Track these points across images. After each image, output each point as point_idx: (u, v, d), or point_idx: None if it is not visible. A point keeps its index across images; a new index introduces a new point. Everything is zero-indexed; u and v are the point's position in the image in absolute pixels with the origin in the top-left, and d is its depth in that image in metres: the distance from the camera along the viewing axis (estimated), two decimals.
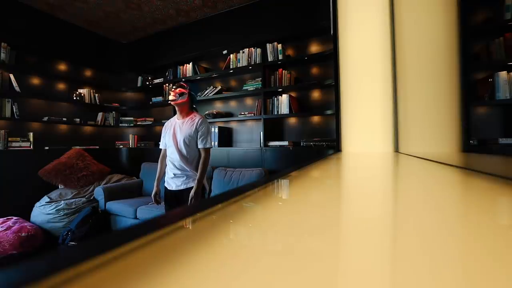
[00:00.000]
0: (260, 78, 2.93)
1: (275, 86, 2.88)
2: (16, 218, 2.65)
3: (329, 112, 2.57)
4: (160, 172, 1.98)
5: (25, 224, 2.57)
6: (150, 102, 3.87)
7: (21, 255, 2.38)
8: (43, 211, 2.83)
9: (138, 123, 4.06)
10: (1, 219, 2.59)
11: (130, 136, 4.07)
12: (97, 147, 3.80)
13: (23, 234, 2.44)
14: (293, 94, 2.90)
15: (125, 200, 3.08)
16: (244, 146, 3.17)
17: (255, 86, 2.99)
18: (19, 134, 3.04)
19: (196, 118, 1.85)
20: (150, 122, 3.97)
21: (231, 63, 3.18)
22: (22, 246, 2.40)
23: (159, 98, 3.78)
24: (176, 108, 1.88)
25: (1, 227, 2.45)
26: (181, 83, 1.90)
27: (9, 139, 2.92)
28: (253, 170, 2.74)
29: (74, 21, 3.55)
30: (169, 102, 1.85)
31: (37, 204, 2.93)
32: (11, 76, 2.96)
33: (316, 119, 2.82)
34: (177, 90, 1.82)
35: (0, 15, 2.94)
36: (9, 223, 2.53)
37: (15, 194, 2.94)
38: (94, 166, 3.40)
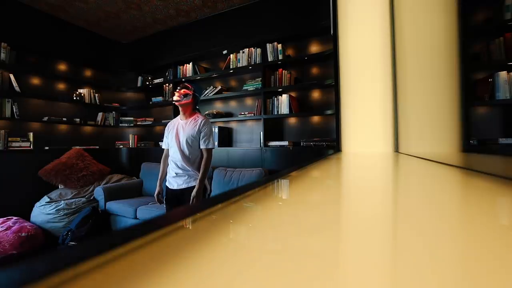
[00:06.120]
0: (260, 78, 2.93)
1: (275, 86, 2.88)
2: (16, 218, 2.65)
3: (329, 112, 2.57)
4: (163, 172, 1.98)
5: (25, 224, 2.57)
6: (150, 102, 3.87)
7: (21, 255, 2.37)
8: (43, 211, 2.83)
9: (138, 123, 4.06)
10: (1, 219, 2.59)
11: (130, 136, 4.07)
12: (97, 147, 3.80)
13: (23, 234, 2.44)
14: (293, 94, 2.90)
15: (125, 200, 3.08)
16: (244, 146, 3.17)
17: (255, 86, 2.99)
18: (19, 134, 3.04)
19: (199, 119, 1.86)
20: (150, 122, 3.97)
21: (231, 63, 3.18)
22: (22, 246, 2.40)
23: (159, 98, 3.78)
24: (180, 109, 1.88)
25: (1, 227, 2.45)
26: (186, 84, 1.90)
27: (9, 139, 2.92)
28: (253, 170, 2.74)
29: (74, 21, 3.55)
30: (173, 102, 1.86)
31: (37, 204, 2.93)
32: (11, 76, 2.96)
33: (316, 119, 2.81)
34: (182, 91, 1.83)
35: (0, 15, 2.94)
36: (9, 223, 2.53)
37: (15, 194, 2.94)
38: (94, 166, 3.40)
